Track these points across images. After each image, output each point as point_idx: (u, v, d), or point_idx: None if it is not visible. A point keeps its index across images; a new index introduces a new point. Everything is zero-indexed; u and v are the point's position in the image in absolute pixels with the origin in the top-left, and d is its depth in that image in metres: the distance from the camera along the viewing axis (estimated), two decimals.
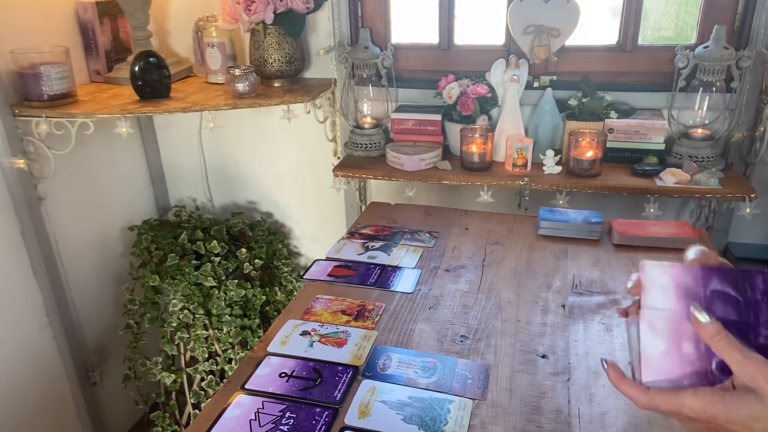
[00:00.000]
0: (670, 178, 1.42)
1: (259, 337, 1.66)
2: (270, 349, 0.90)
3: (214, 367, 1.66)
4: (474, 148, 1.53)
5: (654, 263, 0.54)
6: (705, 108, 1.49)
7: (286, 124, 1.72)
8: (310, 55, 1.75)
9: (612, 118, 1.51)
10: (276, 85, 1.66)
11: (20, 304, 1.50)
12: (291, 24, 1.59)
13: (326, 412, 0.77)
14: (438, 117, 1.63)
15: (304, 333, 0.93)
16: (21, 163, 1.42)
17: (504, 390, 0.80)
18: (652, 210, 1.47)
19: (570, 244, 1.20)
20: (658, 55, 1.57)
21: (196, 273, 1.62)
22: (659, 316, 0.53)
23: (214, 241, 1.68)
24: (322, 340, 0.91)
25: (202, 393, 1.69)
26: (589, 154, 1.46)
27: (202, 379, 1.68)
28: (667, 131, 1.51)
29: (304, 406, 0.78)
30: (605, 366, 0.56)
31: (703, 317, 0.51)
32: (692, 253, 0.57)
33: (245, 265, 1.71)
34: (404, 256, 1.16)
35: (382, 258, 1.15)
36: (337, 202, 1.86)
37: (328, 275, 1.10)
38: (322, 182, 1.84)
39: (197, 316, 1.61)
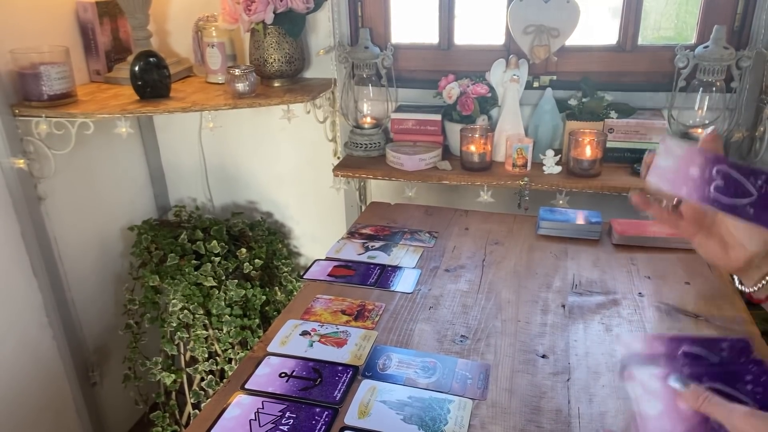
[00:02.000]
0: None
1: (259, 337, 1.66)
2: (270, 349, 0.90)
3: (214, 367, 1.66)
4: (474, 148, 1.53)
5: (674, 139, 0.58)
6: (705, 108, 1.49)
7: (286, 124, 1.72)
8: (310, 55, 1.75)
9: (612, 118, 1.51)
10: (276, 85, 1.66)
11: (20, 304, 1.50)
12: (291, 24, 1.59)
13: (326, 412, 0.77)
14: (438, 117, 1.63)
15: (304, 333, 0.93)
16: (21, 163, 1.42)
17: (504, 390, 0.80)
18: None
19: (570, 244, 1.20)
20: (658, 55, 1.57)
21: (196, 273, 1.62)
22: (650, 376, 0.53)
23: (214, 241, 1.68)
24: (322, 340, 0.91)
25: (202, 393, 1.69)
26: (589, 154, 1.46)
27: (202, 379, 1.68)
28: (667, 131, 1.51)
29: (304, 406, 0.78)
30: None
31: (682, 386, 0.52)
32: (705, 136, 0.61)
33: (245, 265, 1.71)
34: (404, 256, 1.16)
35: (382, 258, 1.15)
36: (337, 202, 1.86)
37: (328, 275, 1.10)
38: (322, 182, 1.84)
39: (197, 316, 1.61)
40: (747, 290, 0.63)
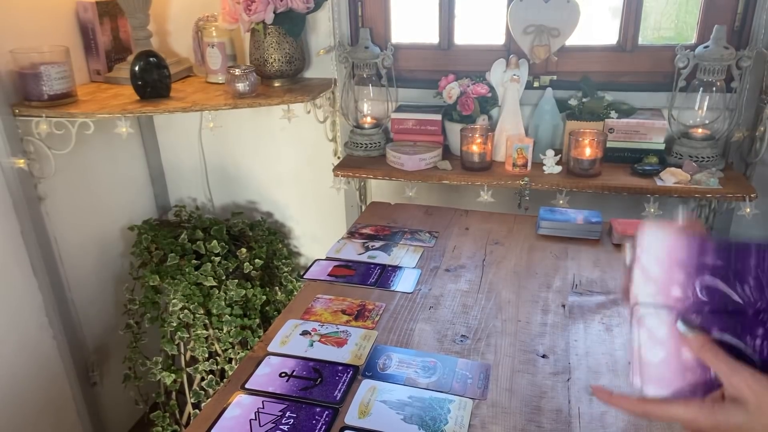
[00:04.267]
0: (670, 177, 1.42)
1: (259, 336, 1.66)
2: (270, 348, 0.90)
3: (215, 367, 1.66)
4: (474, 148, 1.53)
5: (653, 230, 0.53)
6: (705, 108, 1.49)
7: (286, 123, 1.72)
8: (310, 54, 1.75)
9: (612, 117, 1.51)
10: (276, 84, 1.66)
11: (20, 304, 1.50)
12: (291, 24, 1.58)
13: (326, 412, 0.77)
14: (438, 117, 1.63)
15: (305, 333, 0.93)
16: (21, 163, 1.42)
17: (504, 390, 0.80)
18: (652, 210, 1.47)
19: (570, 244, 1.20)
20: (658, 55, 1.57)
21: (196, 273, 1.62)
22: (659, 323, 0.53)
23: (214, 241, 1.68)
24: (323, 339, 0.91)
25: (203, 393, 1.69)
26: (589, 154, 1.46)
27: (202, 379, 1.68)
28: (667, 131, 1.51)
29: (304, 405, 0.78)
30: (592, 392, 0.57)
31: (687, 331, 0.51)
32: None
33: (245, 264, 1.71)
34: (404, 256, 1.16)
35: (382, 258, 1.15)
36: (337, 202, 1.86)
37: (329, 275, 1.10)
38: (322, 182, 1.84)
39: (197, 315, 1.61)
40: None
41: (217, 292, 1.63)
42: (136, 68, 1.45)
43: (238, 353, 1.67)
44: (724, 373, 0.49)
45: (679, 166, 1.46)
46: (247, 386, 0.82)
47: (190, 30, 1.75)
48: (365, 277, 1.09)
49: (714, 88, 1.46)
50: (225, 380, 0.99)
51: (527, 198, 1.49)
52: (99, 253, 1.79)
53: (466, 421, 0.75)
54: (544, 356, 0.87)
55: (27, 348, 1.53)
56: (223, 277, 1.65)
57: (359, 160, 1.67)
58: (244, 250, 1.72)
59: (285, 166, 1.94)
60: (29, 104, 1.41)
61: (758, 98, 1.49)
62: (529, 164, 1.52)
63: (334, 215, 1.93)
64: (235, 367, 1.10)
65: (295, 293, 1.76)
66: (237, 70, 1.50)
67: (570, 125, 1.52)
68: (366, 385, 0.81)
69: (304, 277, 1.10)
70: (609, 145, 1.51)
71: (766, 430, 0.47)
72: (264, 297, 1.70)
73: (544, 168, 1.52)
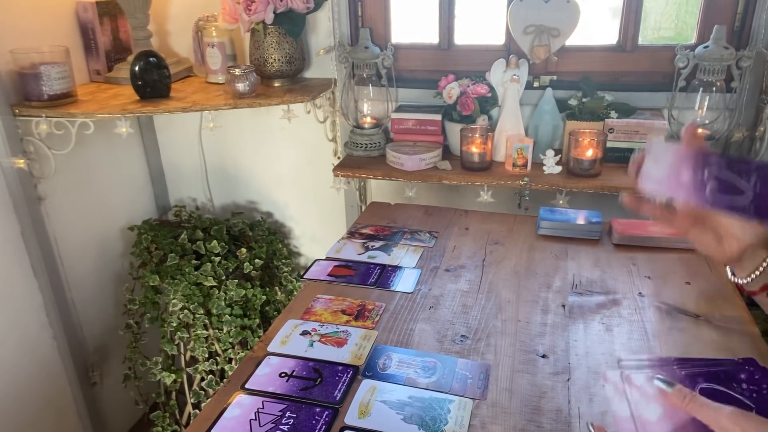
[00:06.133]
0: None
1: (259, 336, 1.66)
2: (270, 348, 0.90)
3: (214, 367, 1.66)
4: (474, 148, 1.53)
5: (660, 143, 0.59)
6: (705, 108, 1.49)
7: (286, 123, 1.72)
8: (310, 54, 1.75)
9: (612, 117, 1.51)
10: (276, 84, 1.66)
11: (20, 304, 1.50)
12: (291, 24, 1.59)
13: (326, 412, 0.77)
14: (438, 117, 1.63)
15: (304, 333, 0.93)
16: (21, 163, 1.42)
17: (504, 390, 0.80)
18: None
19: (570, 244, 1.20)
20: (658, 55, 1.57)
21: (196, 273, 1.62)
22: (647, 380, 0.54)
23: (214, 241, 1.68)
24: (322, 339, 0.91)
25: (202, 393, 1.69)
26: (589, 154, 1.46)
27: (202, 379, 1.68)
28: (667, 131, 1.51)
29: (304, 405, 0.78)
30: (592, 431, 0.58)
31: (667, 386, 0.52)
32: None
33: (245, 265, 1.71)
34: (404, 256, 1.16)
35: (382, 258, 1.15)
36: (337, 202, 1.86)
37: (328, 275, 1.10)
38: (322, 182, 1.84)
39: (197, 315, 1.61)
40: (740, 282, 0.64)
41: (217, 292, 1.63)
42: (136, 68, 1.45)
43: (238, 353, 1.67)
44: (710, 418, 0.50)
45: None
46: (247, 386, 0.82)
47: (190, 30, 1.75)
48: (365, 277, 1.09)
49: (714, 88, 1.46)
50: (225, 380, 0.99)
51: (527, 198, 1.49)
52: (99, 253, 1.79)
53: (466, 421, 0.75)
54: (544, 356, 0.87)
55: (27, 348, 1.53)
56: (223, 277, 1.65)
57: (359, 160, 1.67)
58: (244, 250, 1.72)
59: (285, 166, 1.94)
60: (29, 104, 1.41)
61: (758, 98, 1.49)
62: (529, 164, 1.52)
63: (334, 215, 1.93)
64: (235, 367, 1.10)
65: (295, 293, 1.76)
66: (237, 70, 1.50)
67: (570, 125, 1.52)
68: (366, 385, 0.81)
69: (304, 277, 1.10)
70: (609, 145, 1.51)
71: None
72: (264, 297, 1.70)
73: (544, 168, 1.52)
